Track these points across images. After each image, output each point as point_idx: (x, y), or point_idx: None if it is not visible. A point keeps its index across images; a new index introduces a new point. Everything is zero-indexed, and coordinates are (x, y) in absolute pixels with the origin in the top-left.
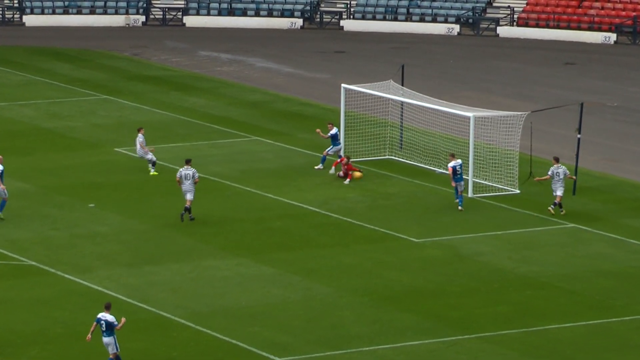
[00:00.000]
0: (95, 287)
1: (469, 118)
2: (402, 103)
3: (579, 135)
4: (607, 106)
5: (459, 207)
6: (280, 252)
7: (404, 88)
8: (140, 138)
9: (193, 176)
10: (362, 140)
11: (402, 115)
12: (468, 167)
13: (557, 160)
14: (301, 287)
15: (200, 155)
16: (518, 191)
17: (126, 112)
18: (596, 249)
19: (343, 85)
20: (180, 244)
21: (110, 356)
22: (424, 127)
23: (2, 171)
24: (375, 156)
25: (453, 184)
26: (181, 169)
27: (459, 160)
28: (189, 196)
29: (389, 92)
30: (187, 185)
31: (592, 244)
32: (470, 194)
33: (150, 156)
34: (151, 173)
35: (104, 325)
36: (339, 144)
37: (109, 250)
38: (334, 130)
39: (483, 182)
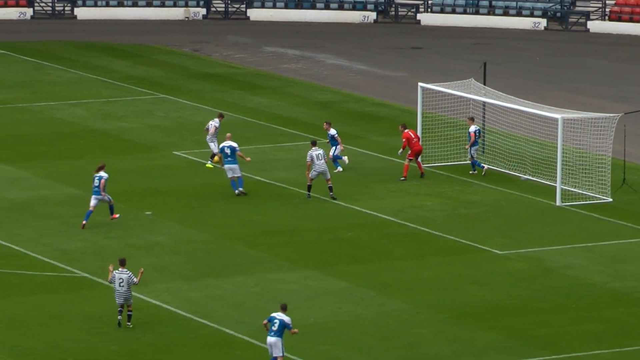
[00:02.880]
0: (152, 302)
1: (556, 120)
2: (484, 104)
3: None
4: None
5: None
6: (352, 264)
7: (486, 87)
8: (217, 123)
9: (324, 155)
10: (441, 144)
11: (484, 117)
12: (556, 173)
13: None
14: (375, 303)
15: (265, 159)
16: (610, 200)
17: (185, 112)
18: None
19: (420, 84)
20: (243, 256)
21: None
22: (508, 129)
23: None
24: (455, 161)
25: (472, 155)
26: (310, 151)
27: (477, 126)
28: (328, 175)
29: (470, 91)
30: (320, 165)
31: None
32: (558, 203)
33: (214, 147)
34: (207, 165)
35: (276, 325)
36: (338, 143)
37: (167, 261)
38: (332, 131)
39: (572, 189)
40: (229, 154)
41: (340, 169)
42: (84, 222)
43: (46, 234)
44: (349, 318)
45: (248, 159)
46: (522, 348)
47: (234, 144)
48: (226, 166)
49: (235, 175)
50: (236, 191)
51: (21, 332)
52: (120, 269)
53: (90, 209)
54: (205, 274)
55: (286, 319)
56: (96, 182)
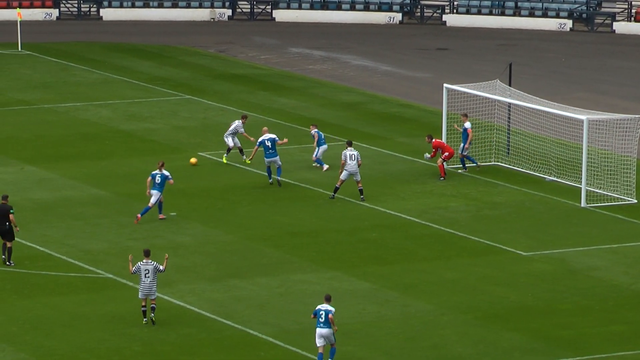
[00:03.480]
0: (176, 302)
1: (582, 121)
2: (509, 105)
3: None
4: None
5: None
6: (376, 265)
7: (512, 88)
8: (239, 126)
9: (358, 157)
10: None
11: (509, 118)
12: (581, 174)
13: None
14: (399, 304)
15: (291, 160)
16: (635, 201)
17: (211, 113)
18: None
19: (445, 85)
20: (267, 256)
21: (332, 346)
22: (533, 131)
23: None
24: (480, 162)
25: (466, 149)
26: (345, 151)
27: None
28: (358, 177)
29: (495, 92)
30: (351, 165)
31: None
32: (583, 204)
33: (230, 142)
34: (223, 159)
35: (323, 316)
36: (324, 143)
37: (191, 262)
38: (314, 130)
39: (597, 190)
40: (270, 146)
41: (326, 166)
42: (138, 216)
43: (71, 234)
44: (373, 319)
45: (285, 139)
46: (547, 349)
47: (274, 136)
48: (267, 159)
49: (277, 165)
50: (270, 180)
51: (45, 333)
52: (145, 260)
53: (149, 205)
54: (229, 275)
55: (331, 308)
56: (158, 180)
